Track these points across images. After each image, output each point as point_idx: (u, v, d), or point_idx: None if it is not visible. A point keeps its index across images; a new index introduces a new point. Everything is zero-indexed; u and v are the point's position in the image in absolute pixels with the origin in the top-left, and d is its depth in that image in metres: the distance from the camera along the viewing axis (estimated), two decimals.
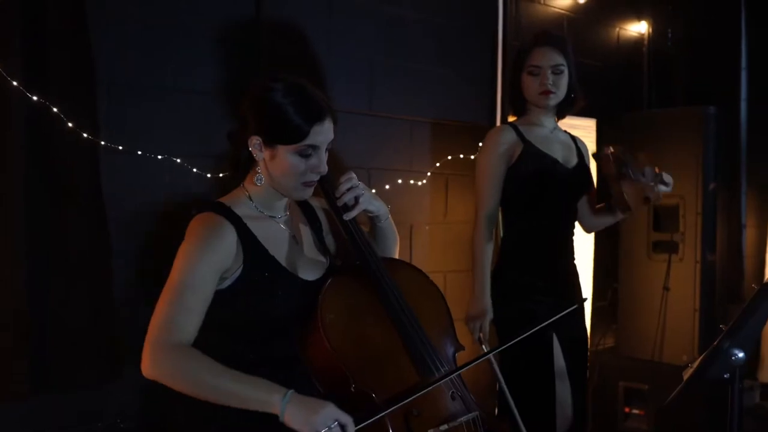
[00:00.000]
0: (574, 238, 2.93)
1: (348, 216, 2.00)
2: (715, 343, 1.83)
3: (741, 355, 1.89)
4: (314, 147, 1.87)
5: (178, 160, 2.35)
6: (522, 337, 2.02)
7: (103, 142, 2.22)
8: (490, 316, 2.77)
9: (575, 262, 2.93)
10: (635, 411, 3.68)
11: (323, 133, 1.88)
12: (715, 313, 3.79)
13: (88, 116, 2.26)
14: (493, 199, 2.81)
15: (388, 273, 2.01)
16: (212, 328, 1.93)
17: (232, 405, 1.73)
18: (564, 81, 2.78)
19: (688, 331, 3.62)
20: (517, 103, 2.91)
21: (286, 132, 1.85)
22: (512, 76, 2.89)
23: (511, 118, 3.08)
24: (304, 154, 1.87)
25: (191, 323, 1.80)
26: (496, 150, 2.80)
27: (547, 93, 2.76)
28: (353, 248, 2.02)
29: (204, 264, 1.82)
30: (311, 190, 1.96)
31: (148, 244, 2.45)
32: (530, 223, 2.82)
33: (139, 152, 2.28)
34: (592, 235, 3.65)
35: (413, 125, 3.44)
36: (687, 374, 1.99)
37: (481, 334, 2.74)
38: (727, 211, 4.69)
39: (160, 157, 2.32)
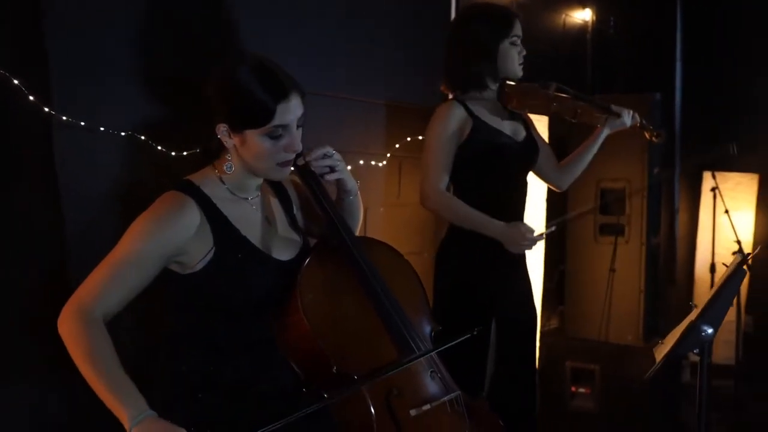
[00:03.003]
0: (525, 214, 2.95)
1: (329, 177, 1.99)
2: (693, 319, 1.88)
3: (710, 331, 1.95)
4: (284, 126, 1.81)
5: (143, 137, 2.26)
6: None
7: (64, 117, 2.11)
8: (521, 226, 2.75)
9: None
10: (582, 390, 3.77)
11: (290, 110, 1.81)
12: (659, 293, 3.91)
13: (41, 90, 2.15)
14: (444, 174, 2.75)
15: (365, 251, 1.99)
16: (187, 313, 1.89)
17: (98, 394, 1.68)
18: None
19: (633, 311, 3.72)
20: (492, 76, 2.82)
21: (251, 115, 1.78)
22: (488, 48, 2.79)
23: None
24: (274, 136, 1.80)
25: (118, 298, 1.75)
26: (447, 126, 2.75)
27: (521, 64, 2.79)
28: (328, 226, 2.00)
29: (152, 242, 1.77)
30: (288, 170, 1.91)
31: (105, 225, 2.35)
32: (481, 200, 2.79)
33: (102, 128, 2.18)
34: (543, 215, 3.69)
35: (368, 107, 3.40)
36: (658, 351, 2.04)
37: (539, 234, 2.79)
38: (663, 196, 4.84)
39: (123, 134, 2.22)
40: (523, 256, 2.91)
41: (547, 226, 2.41)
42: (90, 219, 2.32)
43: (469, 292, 2.76)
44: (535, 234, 2.75)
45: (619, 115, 2.93)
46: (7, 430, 2.21)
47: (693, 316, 1.96)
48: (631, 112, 2.97)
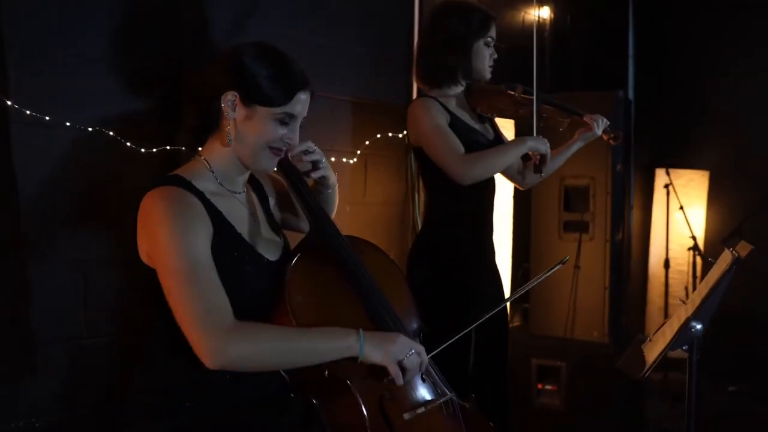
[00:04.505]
0: (493, 213, 2.94)
1: (314, 175, 1.98)
2: (688, 317, 1.87)
3: (699, 327, 1.95)
4: (292, 116, 1.80)
5: (111, 133, 2.14)
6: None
7: (28, 111, 1.98)
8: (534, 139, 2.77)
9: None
10: (548, 387, 3.77)
11: (303, 103, 1.81)
12: (622, 290, 3.94)
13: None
14: (458, 145, 2.70)
15: (353, 250, 1.92)
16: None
17: (312, 362, 1.70)
18: None
19: (598, 308, 3.73)
20: (467, 73, 2.82)
21: (271, 92, 1.76)
22: (463, 46, 2.78)
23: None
24: (282, 122, 1.78)
25: (223, 297, 1.65)
26: (435, 114, 2.75)
27: (491, 67, 2.78)
28: (314, 225, 1.93)
29: (197, 238, 1.67)
30: (275, 162, 1.85)
31: (67, 225, 2.24)
32: (456, 202, 2.78)
33: (68, 123, 2.06)
34: (510, 213, 3.68)
35: (334, 103, 3.34)
36: (648, 348, 2.02)
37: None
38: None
39: (90, 129, 2.10)
40: (493, 254, 2.89)
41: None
42: (52, 219, 2.20)
43: (447, 290, 2.71)
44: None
45: (581, 116, 2.91)
46: None
47: (684, 313, 1.95)
48: (603, 120, 2.94)
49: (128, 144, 2.18)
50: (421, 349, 1.78)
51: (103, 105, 2.19)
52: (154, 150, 2.24)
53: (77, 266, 2.28)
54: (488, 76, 2.83)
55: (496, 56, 2.84)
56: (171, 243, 1.64)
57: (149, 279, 1.72)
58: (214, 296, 1.63)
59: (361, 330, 1.72)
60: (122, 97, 2.25)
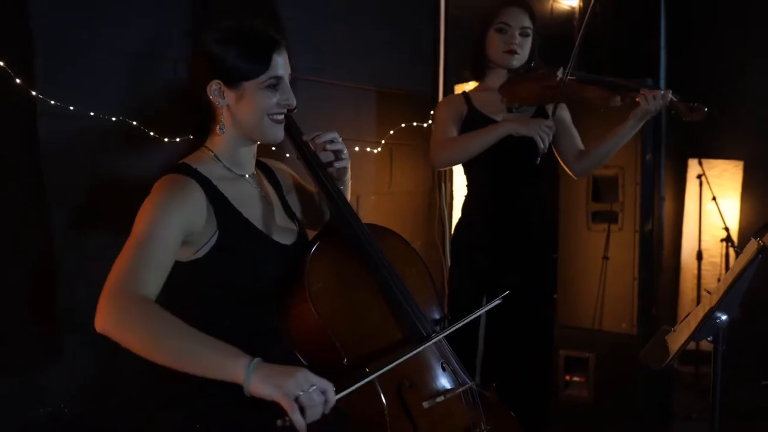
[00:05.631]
0: (526, 200, 2.91)
1: (338, 165, 1.97)
2: (712, 307, 1.83)
3: (724, 318, 1.91)
4: (278, 78, 1.80)
5: (134, 123, 2.16)
6: (473, 316, 1.97)
7: (53, 102, 2.01)
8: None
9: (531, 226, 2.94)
10: (576, 378, 3.73)
11: (283, 63, 1.82)
12: (652, 281, 3.87)
13: (27, 74, 2.05)
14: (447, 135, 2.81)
15: (373, 238, 1.92)
16: (187, 302, 1.80)
17: (188, 370, 1.56)
18: (529, 45, 2.81)
19: (627, 299, 3.67)
20: (478, 65, 2.87)
21: (248, 66, 1.77)
22: (478, 36, 2.84)
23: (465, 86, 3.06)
24: (271, 86, 1.79)
25: (155, 278, 1.64)
26: (445, 111, 2.86)
27: (512, 52, 2.76)
28: (334, 212, 1.94)
29: (170, 218, 1.68)
30: (282, 130, 1.86)
31: (94, 215, 2.26)
32: (480, 189, 2.88)
33: (92, 113, 2.08)
34: None
35: (359, 93, 3.34)
36: (671, 339, 1.99)
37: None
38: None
39: (114, 119, 2.12)
40: (517, 242, 2.88)
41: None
42: (77, 207, 2.23)
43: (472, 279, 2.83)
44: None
45: (636, 92, 2.67)
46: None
47: (708, 303, 1.92)
48: (661, 93, 2.62)
49: (151, 134, 2.20)
50: (327, 386, 1.57)
51: (126, 95, 2.21)
52: (177, 140, 2.25)
53: (102, 255, 2.31)
54: (505, 62, 2.79)
55: (515, 39, 2.76)
56: (145, 214, 1.68)
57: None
58: (144, 270, 1.62)
59: (256, 360, 1.54)
60: (146, 87, 2.26)
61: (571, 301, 3.82)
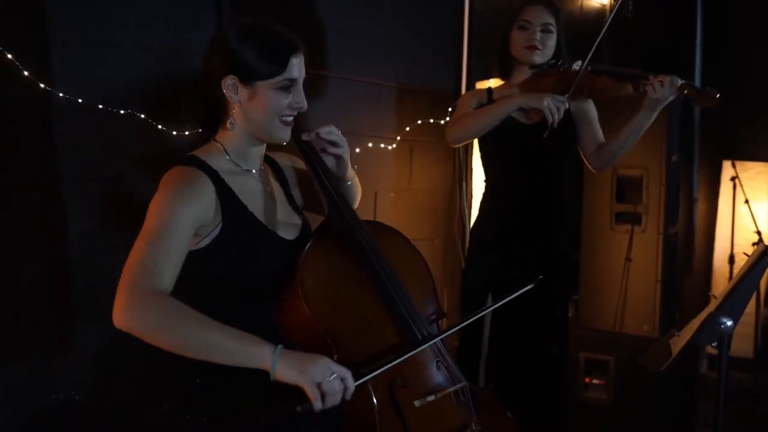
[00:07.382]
0: (542, 196, 2.87)
1: (332, 151, 1.97)
2: (712, 311, 1.80)
3: (729, 323, 1.87)
4: (293, 80, 1.81)
5: (143, 116, 2.19)
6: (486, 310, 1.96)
7: (61, 94, 2.04)
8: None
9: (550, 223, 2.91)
10: (596, 381, 3.68)
11: (299, 66, 1.82)
12: (676, 284, 3.81)
13: (40, 66, 2.09)
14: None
15: (371, 235, 1.92)
16: (187, 293, 1.81)
17: (215, 360, 1.60)
18: (552, 42, 2.79)
19: (649, 301, 3.61)
20: (504, 63, 2.88)
21: (265, 65, 1.78)
22: (502, 35, 2.85)
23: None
24: (285, 89, 1.80)
25: (170, 270, 1.65)
26: (466, 104, 2.87)
27: (533, 48, 2.75)
28: (330, 207, 1.93)
29: (183, 210, 1.70)
30: (290, 132, 1.87)
31: (107, 205, 2.30)
32: (495, 184, 2.89)
33: (101, 106, 2.12)
34: None
35: (380, 89, 3.34)
36: (674, 343, 1.95)
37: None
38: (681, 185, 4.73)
39: (123, 112, 2.15)
40: (531, 240, 2.85)
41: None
42: (90, 198, 2.27)
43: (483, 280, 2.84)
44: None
45: (646, 80, 2.58)
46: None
47: (712, 307, 1.88)
48: (669, 79, 2.53)
49: (159, 127, 2.23)
50: (346, 374, 1.63)
51: (136, 88, 2.24)
52: (186, 133, 2.27)
53: (114, 245, 2.35)
54: (527, 58, 2.79)
55: (537, 36, 2.75)
56: (157, 206, 1.70)
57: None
58: (159, 262, 1.63)
59: (279, 346, 1.60)
60: (155, 80, 2.29)
61: (593, 303, 3.77)
